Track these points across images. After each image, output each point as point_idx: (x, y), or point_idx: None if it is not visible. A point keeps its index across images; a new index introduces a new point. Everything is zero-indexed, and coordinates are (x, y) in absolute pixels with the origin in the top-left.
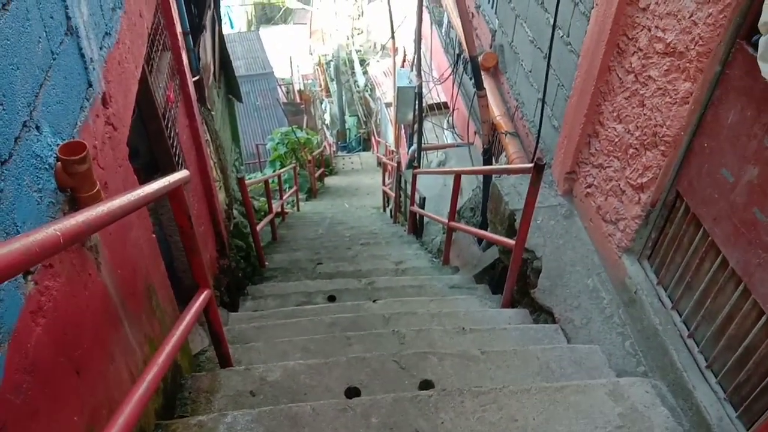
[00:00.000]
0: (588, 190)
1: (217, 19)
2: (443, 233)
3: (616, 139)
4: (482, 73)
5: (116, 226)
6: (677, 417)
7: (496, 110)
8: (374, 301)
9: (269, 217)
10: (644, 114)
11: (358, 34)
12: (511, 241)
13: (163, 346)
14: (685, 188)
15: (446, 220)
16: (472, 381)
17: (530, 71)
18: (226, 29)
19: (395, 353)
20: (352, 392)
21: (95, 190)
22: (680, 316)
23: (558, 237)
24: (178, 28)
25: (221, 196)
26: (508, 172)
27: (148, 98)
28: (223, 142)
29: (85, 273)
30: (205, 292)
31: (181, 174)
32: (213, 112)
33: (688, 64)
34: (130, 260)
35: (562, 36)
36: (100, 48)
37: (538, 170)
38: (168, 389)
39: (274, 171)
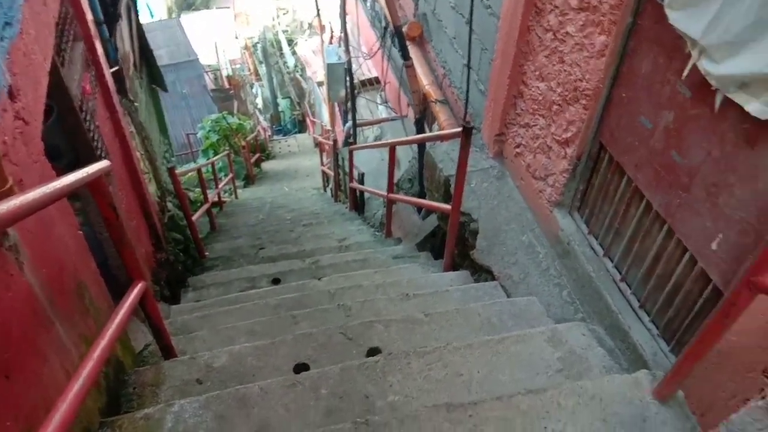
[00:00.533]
0: (517, 150)
1: (132, 7)
2: (384, 207)
3: (540, 98)
4: (408, 43)
5: (36, 223)
6: (615, 357)
7: (424, 79)
8: (319, 278)
9: (205, 206)
10: (564, 70)
11: (284, 14)
12: (448, 207)
13: (98, 341)
14: (607, 139)
15: (385, 193)
16: (417, 343)
17: (454, 38)
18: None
19: (341, 325)
20: (301, 368)
21: (7, 187)
22: (612, 262)
23: (492, 198)
24: (89, 17)
25: (152, 189)
26: (439, 138)
27: (61, 91)
28: (150, 133)
29: (6, 274)
30: (140, 285)
31: (100, 164)
32: (136, 104)
33: (602, 18)
34: (56, 258)
35: (482, 0)
36: (1, 39)
37: (466, 134)
38: (111, 387)
39: (207, 160)
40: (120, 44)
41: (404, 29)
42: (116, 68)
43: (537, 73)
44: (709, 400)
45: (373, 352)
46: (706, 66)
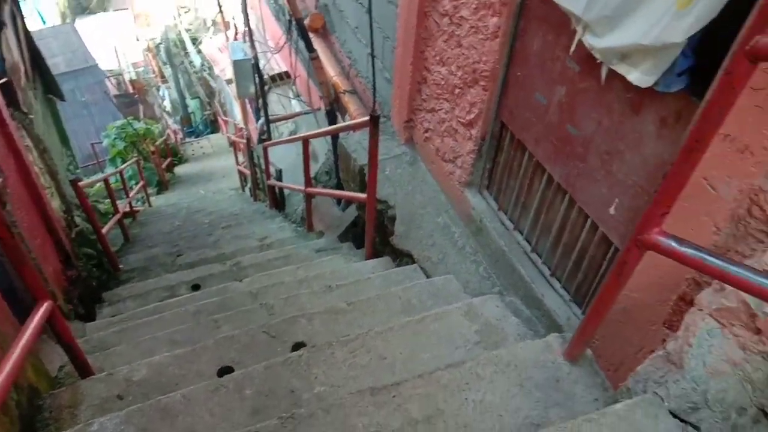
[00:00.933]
0: (426, 134)
1: (18, 14)
2: (304, 201)
3: (443, 82)
4: (311, 35)
5: None
6: (532, 324)
7: (331, 71)
8: (240, 280)
9: (116, 218)
10: (463, 54)
11: (186, 12)
12: (364, 196)
13: (1, 368)
14: (507, 117)
15: (303, 188)
16: (341, 333)
17: (356, 27)
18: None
19: (264, 324)
20: (225, 371)
21: None
22: (522, 235)
23: (406, 184)
24: None
25: (56, 204)
26: (348, 128)
27: None
28: (49, 146)
29: None
30: (45, 305)
31: None
32: (31, 116)
33: (493, 0)
34: None
35: None
36: None
37: (374, 123)
38: (25, 414)
39: (115, 169)
40: (8, 54)
41: (306, 21)
42: (4, 80)
43: (437, 58)
44: (619, 356)
45: (298, 346)
46: (590, 40)
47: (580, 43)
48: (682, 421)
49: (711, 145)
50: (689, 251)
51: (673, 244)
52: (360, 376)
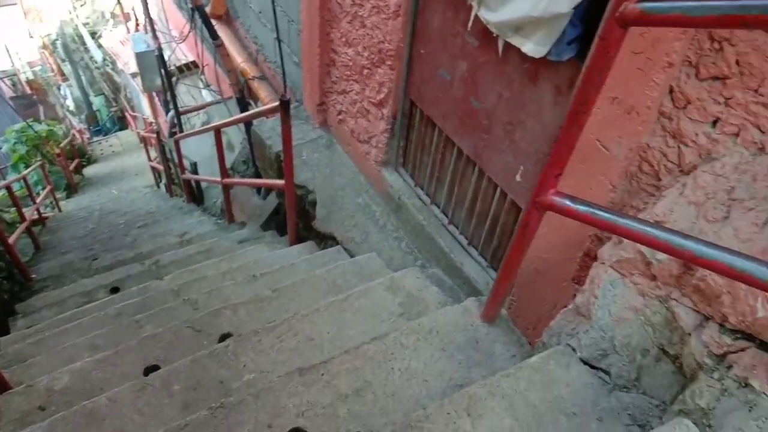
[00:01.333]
0: (340, 117)
1: None
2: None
3: (351, 63)
4: (215, 22)
5: None
6: (453, 292)
7: (238, 57)
8: (161, 278)
9: (23, 226)
10: (367, 34)
11: (82, 5)
12: (282, 182)
13: None
14: (416, 95)
15: (219, 179)
16: (268, 320)
17: (260, 12)
18: None
19: (188, 319)
20: (151, 370)
21: None
22: (439, 208)
23: (324, 167)
24: None
25: None
26: (260, 115)
27: None
28: None
29: None
30: None
31: None
32: None
33: None
34: None
35: None
36: None
37: (284, 108)
38: None
39: (18, 175)
40: None
41: (208, 8)
42: None
43: (343, 39)
44: (536, 314)
45: (225, 338)
46: (485, 15)
47: (477, 18)
48: (593, 367)
49: (601, 108)
50: (582, 208)
51: (568, 202)
52: (289, 360)
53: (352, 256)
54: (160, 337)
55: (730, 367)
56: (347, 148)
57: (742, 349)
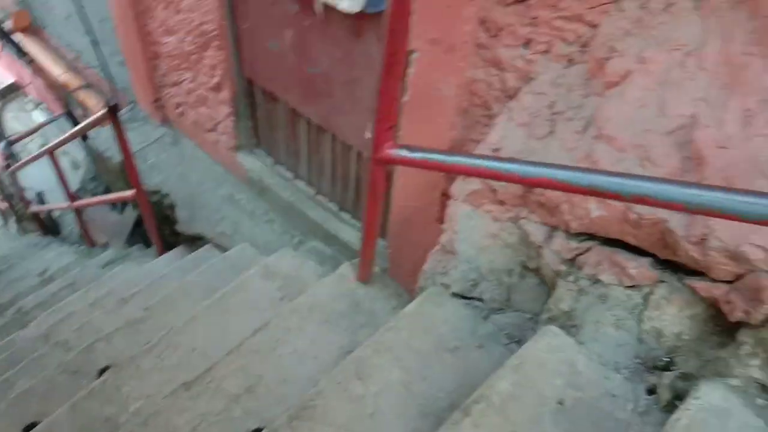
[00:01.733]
0: (179, 110)
1: None
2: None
3: (176, 52)
4: (22, 36)
5: None
6: (335, 261)
7: (56, 70)
8: (26, 326)
9: None
10: (186, 18)
11: None
12: (131, 192)
13: None
14: (251, 72)
15: (67, 204)
16: (144, 342)
17: (69, 16)
18: None
19: (61, 363)
20: (30, 428)
21: None
22: (303, 181)
23: (176, 166)
24: None
25: None
26: (90, 127)
27: None
28: None
29: None
30: None
31: None
32: None
33: None
34: None
35: None
36: None
37: (112, 113)
38: None
39: None
40: None
41: (8, 23)
42: None
43: (163, 28)
44: (413, 263)
45: (103, 372)
46: None
47: None
48: (468, 298)
49: (424, 52)
50: (417, 155)
51: (404, 153)
52: (173, 377)
53: (226, 251)
54: (34, 391)
55: (581, 268)
56: (196, 141)
57: (588, 249)
